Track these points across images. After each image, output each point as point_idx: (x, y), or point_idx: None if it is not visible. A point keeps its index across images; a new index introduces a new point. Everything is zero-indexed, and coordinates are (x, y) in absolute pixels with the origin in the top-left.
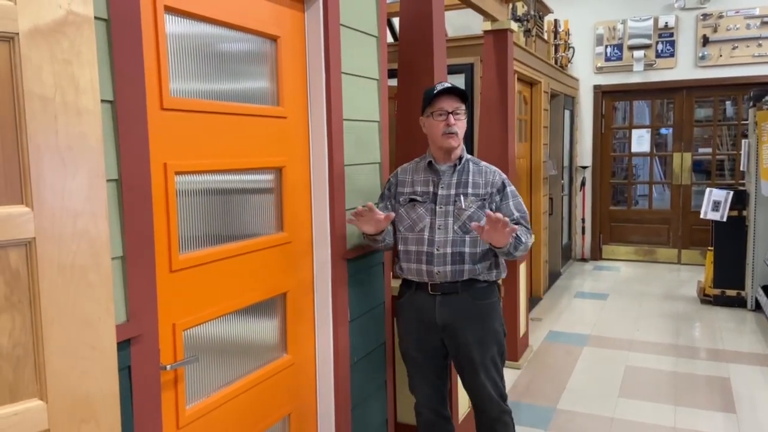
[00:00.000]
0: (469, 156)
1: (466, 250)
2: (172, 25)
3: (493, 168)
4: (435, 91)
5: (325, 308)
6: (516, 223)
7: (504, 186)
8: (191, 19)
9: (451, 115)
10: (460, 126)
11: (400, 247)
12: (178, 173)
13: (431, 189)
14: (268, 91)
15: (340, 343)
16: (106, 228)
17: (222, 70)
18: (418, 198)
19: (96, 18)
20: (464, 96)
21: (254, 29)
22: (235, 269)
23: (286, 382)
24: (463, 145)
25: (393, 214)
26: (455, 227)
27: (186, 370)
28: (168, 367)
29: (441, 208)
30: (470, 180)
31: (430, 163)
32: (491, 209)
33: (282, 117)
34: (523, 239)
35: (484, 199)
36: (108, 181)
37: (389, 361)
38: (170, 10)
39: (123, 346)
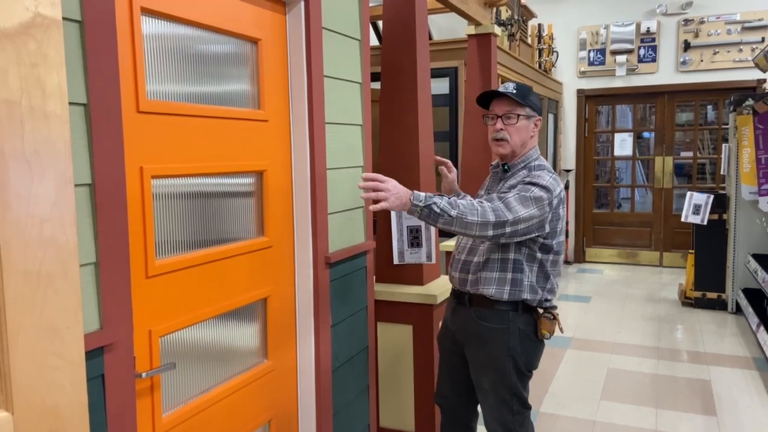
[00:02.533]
0: (537, 164)
1: (475, 258)
2: (149, 27)
3: (539, 174)
4: (485, 94)
5: (307, 313)
6: (487, 198)
7: (517, 185)
8: (169, 20)
9: (500, 120)
10: (512, 131)
11: None
12: (154, 177)
13: (484, 192)
14: (248, 94)
15: (321, 348)
16: (74, 234)
17: (201, 72)
18: None
19: (68, 19)
20: (522, 97)
21: (234, 32)
22: (215, 274)
23: (267, 388)
24: (532, 152)
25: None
26: None
27: (162, 378)
28: (143, 374)
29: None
30: (506, 184)
31: (492, 166)
32: None
33: (263, 120)
34: (452, 212)
35: None
36: (80, 185)
37: (372, 366)
38: (147, 11)
39: (96, 354)
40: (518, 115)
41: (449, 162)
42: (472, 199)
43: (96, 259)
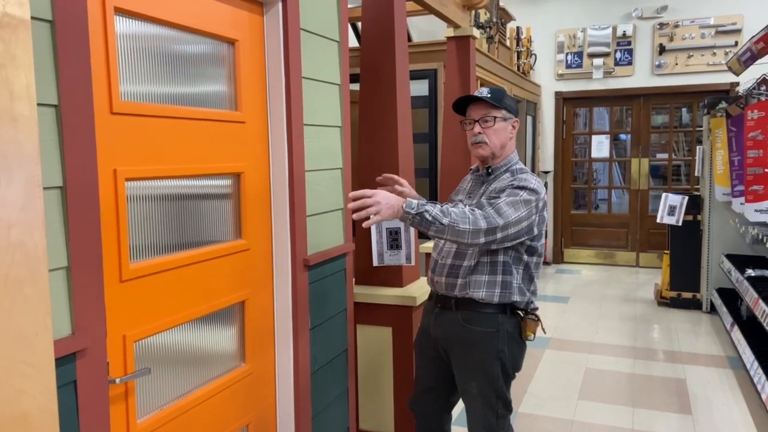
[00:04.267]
0: (518, 167)
1: (464, 263)
2: (123, 27)
3: (525, 177)
4: (460, 99)
5: (285, 316)
6: (477, 205)
7: (505, 189)
8: (143, 20)
9: (477, 123)
10: (490, 133)
11: None
12: (129, 179)
13: (462, 198)
14: (225, 95)
15: (300, 351)
16: (43, 239)
17: (177, 73)
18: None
19: (39, 19)
20: (497, 100)
21: (210, 32)
22: (191, 278)
23: (245, 392)
24: (512, 156)
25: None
26: None
27: (137, 383)
28: (117, 380)
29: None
30: (490, 189)
31: (471, 170)
32: None
33: (240, 122)
34: (444, 220)
35: None
36: (51, 188)
37: (351, 369)
38: (121, 11)
39: (68, 360)
40: (495, 117)
41: (394, 177)
42: (463, 206)
43: (67, 263)
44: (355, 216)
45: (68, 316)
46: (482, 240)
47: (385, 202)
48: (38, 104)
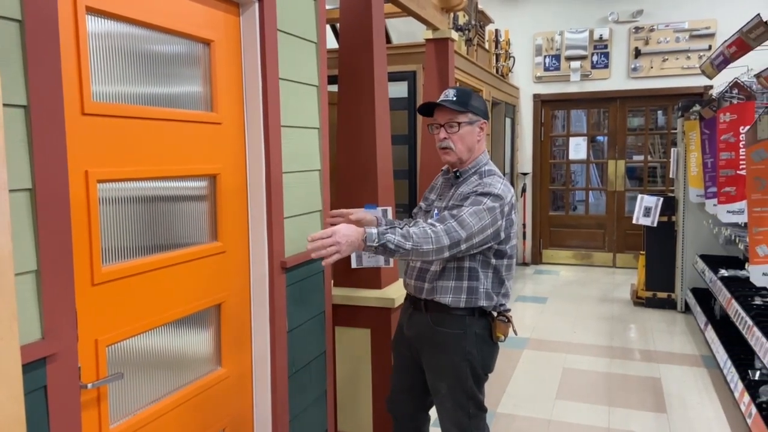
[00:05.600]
0: (487, 168)
1: (431, 268)
2: (95, 27)
3: (490, 182)
4: (426, 104)
5: (263, 319)
6: (440, 219)
7: (469, 196)
8: (116, 20)
9: (443, 128)
10: (455, 139)
11: None
12: (101, 181)
13: (435, 198)
14: (201, 96)
15: (277, 354)
16: (9, 242)
17: (152, 74)
18: (423, 205)
19: (8, 18)
20: (462, 104)
21: (185, 32)
22: (166, 281)
23: (221, 395)
24: (481, 157)
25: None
26: None
27: (110, 388)
28: (89, 385)
29: (431, 219)
30: (458, 192)
31: (443, 171)
32: None
33: (216, 123)
34: (407, 245)
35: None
36: (19, 190)
37: (329, 371)
38: (92, 10)
39: (38, 365)
40: (459, 123)
41: (342, 212)
42: (424, 224)
43: (37, 266)
44: (314, 255)
45: (38, 320)
46: (447, 254)
47: (345, 239)
48: (6, 105)
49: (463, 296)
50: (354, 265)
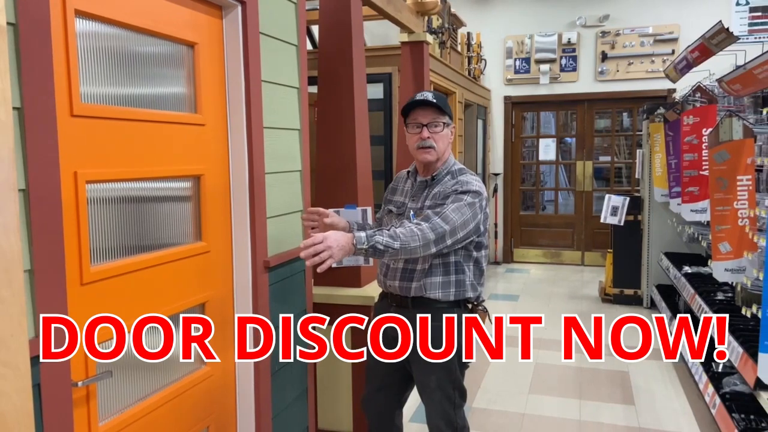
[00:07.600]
0: (457, 168)
1: (417, 266)
2: (84, 29)
3: (466, 180)
4: (410, 103)
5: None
6: (423, 218)
7: (450, 195)
8: (103, 23)
9: (426, 128)
10: (437, 138)
11: None
12: (89, 182)
13: (406, 200)
14: (185, 98)
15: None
16: (18, 242)
17: (137, 76)
18: (393, 208)
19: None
20: (444, 105)
21: (170, 35)
22: (151, 280)
23: (205, 394)
24: (450, 158)
25: (326, 211)
26: None
27: (98, 386)
28: (79, 383)
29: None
30: (434, 192)
31: (409, 173)
32: None
33: (200, 124)
34: (395, 245)
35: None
36: None
37: (310, 369)
38: (81, 13)
39: (32, 363)
40: (443, 123)
41: (319, 210)
42: (409, 223)
43: (30, 266)
44: (309, 263)
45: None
46: (434, 249)
47: (336, 244)
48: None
49: (452, 290)
50: (334, 264)
